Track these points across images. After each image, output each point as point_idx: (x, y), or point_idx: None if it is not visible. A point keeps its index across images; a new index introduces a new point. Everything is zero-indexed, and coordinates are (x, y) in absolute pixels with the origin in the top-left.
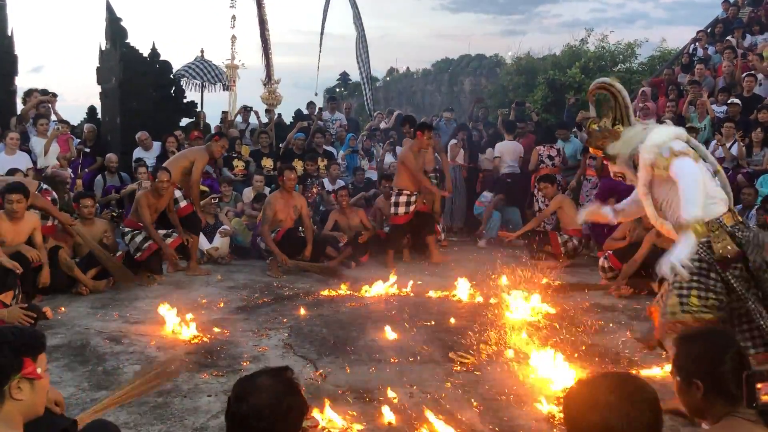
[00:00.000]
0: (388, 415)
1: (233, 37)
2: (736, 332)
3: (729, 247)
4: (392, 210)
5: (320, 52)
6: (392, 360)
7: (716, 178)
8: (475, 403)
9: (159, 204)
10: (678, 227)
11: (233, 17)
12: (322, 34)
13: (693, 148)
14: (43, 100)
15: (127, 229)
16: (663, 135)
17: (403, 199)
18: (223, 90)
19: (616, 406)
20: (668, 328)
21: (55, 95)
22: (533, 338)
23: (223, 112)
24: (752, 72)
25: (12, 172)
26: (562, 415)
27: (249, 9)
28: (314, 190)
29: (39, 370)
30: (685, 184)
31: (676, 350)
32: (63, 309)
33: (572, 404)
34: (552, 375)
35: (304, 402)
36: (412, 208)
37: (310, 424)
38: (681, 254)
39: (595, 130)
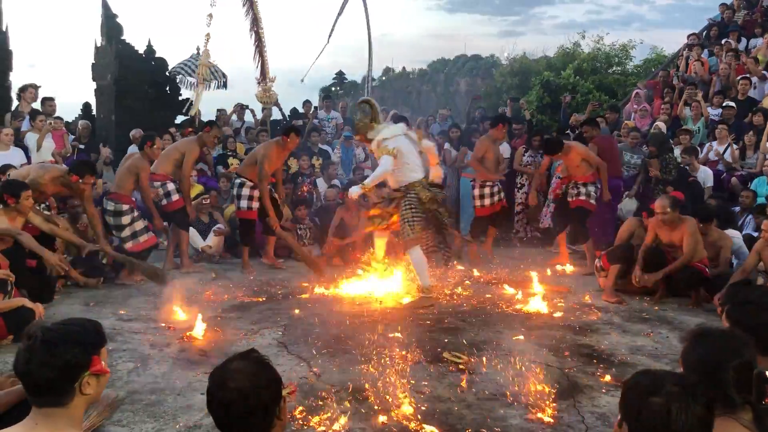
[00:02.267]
0: (381, 415)
1: (207, 35)
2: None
3: (428, 194)
4: (477, 203)
5: (327, 42)
6: (386, 359)
7: (422, 156)
8: (468, 403)
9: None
10: (361, 184)
11: (210, 15)
12: (333, 26)
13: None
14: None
15: (125, 207)
16: (385, 133)
17: (486, 191)
18: (216, 88)
19: (678, 395)
20: (407, 243)
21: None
22: (527, 337)
23: (218, 110)
24: (747, 75)
25: (5, 168)
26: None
27: (243, 6)
28: (304, 188)
29: (103, 364)
30: (377, 170)
31: (686, 345)
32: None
33: (635, 387)
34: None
35: (277, 373)
36: (496, 198)
37: (289, 391)
38: (354, 190)
39: (361, 124)
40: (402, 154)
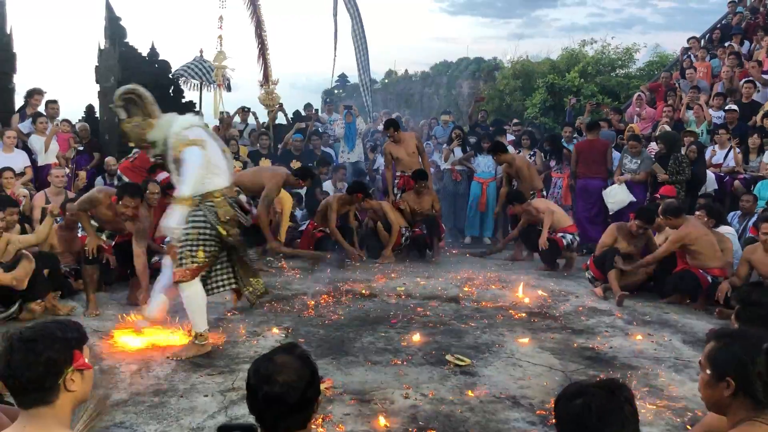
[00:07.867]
0: (383, 417)
1: (220, 37)
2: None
3: (229, 210)
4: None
5: (335, 52)
6: (389, 361)
7: (225, 156)
8: (471, 406)
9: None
10: (174, 200)
11: (220, 18)
12: (335, 32)
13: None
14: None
15: None
16: (183, 123)
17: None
18: (225, 90)
19: None
20: (180, 275)
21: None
22: (530, 340)
23: (221, 113)
24: (751, 78)
25: (4, 170)
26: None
27: (246, 9)
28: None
29: (86, 360)
30: (186, 169)
31: (714, 345)
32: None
33: (748, 342)
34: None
35: (317, 369)
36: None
37: (326, 386)
38: (173, 221)
39: (132, 127)
40: (206, 148)
